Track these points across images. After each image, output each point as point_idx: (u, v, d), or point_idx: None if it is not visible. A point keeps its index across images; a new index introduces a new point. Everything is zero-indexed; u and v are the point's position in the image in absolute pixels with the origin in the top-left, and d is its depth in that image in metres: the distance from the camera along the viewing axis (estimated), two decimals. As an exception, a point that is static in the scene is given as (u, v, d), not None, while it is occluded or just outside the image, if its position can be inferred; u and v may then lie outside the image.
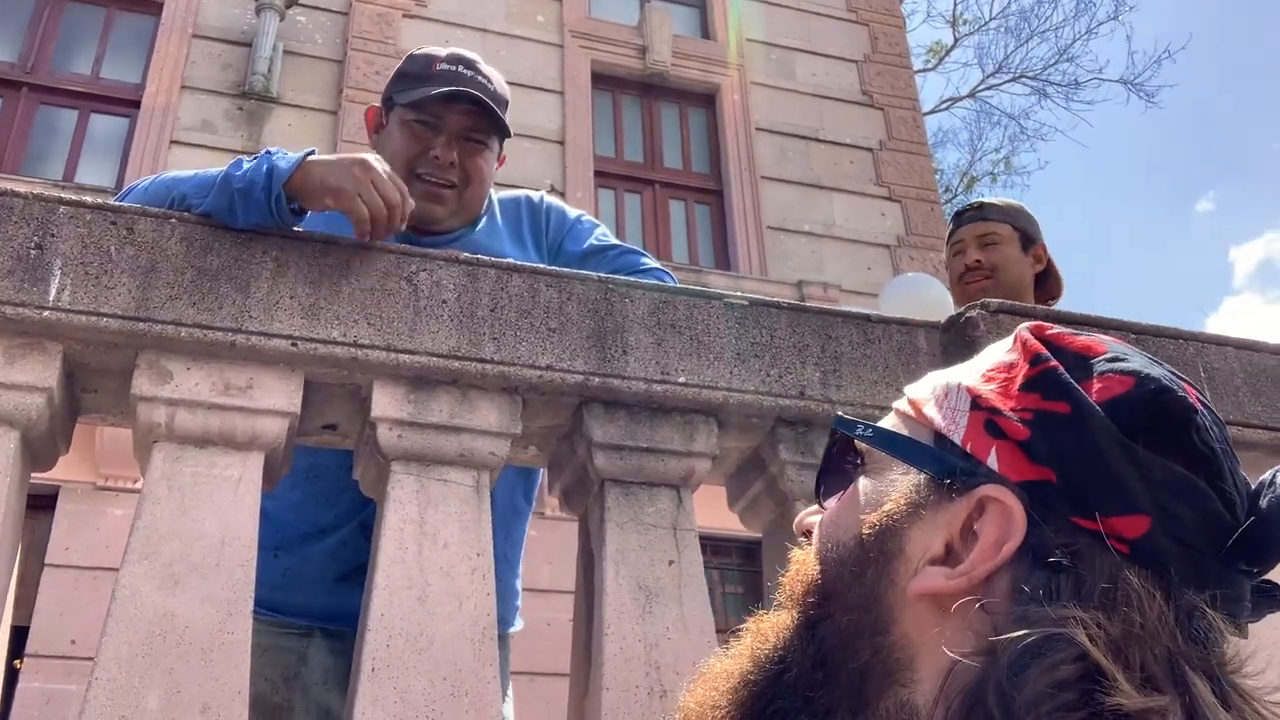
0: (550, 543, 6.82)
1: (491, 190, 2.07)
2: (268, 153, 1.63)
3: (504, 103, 1.99)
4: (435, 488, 1.55)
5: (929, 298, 6.44)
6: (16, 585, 1.57)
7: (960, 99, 19.61)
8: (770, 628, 0.73)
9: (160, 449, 1.47)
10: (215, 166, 1.68)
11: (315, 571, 1.88)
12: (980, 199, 2.80)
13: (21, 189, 1.52)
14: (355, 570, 1.86)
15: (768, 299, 1.79)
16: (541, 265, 1.73)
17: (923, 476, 0.68)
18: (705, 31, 10.32)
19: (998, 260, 2.59)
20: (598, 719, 1.46)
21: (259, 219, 1.57)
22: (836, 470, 0.77)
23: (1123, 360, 0.67)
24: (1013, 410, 0.66)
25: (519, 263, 1.69)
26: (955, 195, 19.13)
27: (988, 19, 19.72)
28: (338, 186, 1.58)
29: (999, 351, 0.72)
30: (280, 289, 1.54)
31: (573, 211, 2.09)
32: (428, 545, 1.50)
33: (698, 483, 1.70)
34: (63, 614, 6.25)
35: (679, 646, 1.53)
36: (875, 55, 10.66)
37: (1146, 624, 0.59)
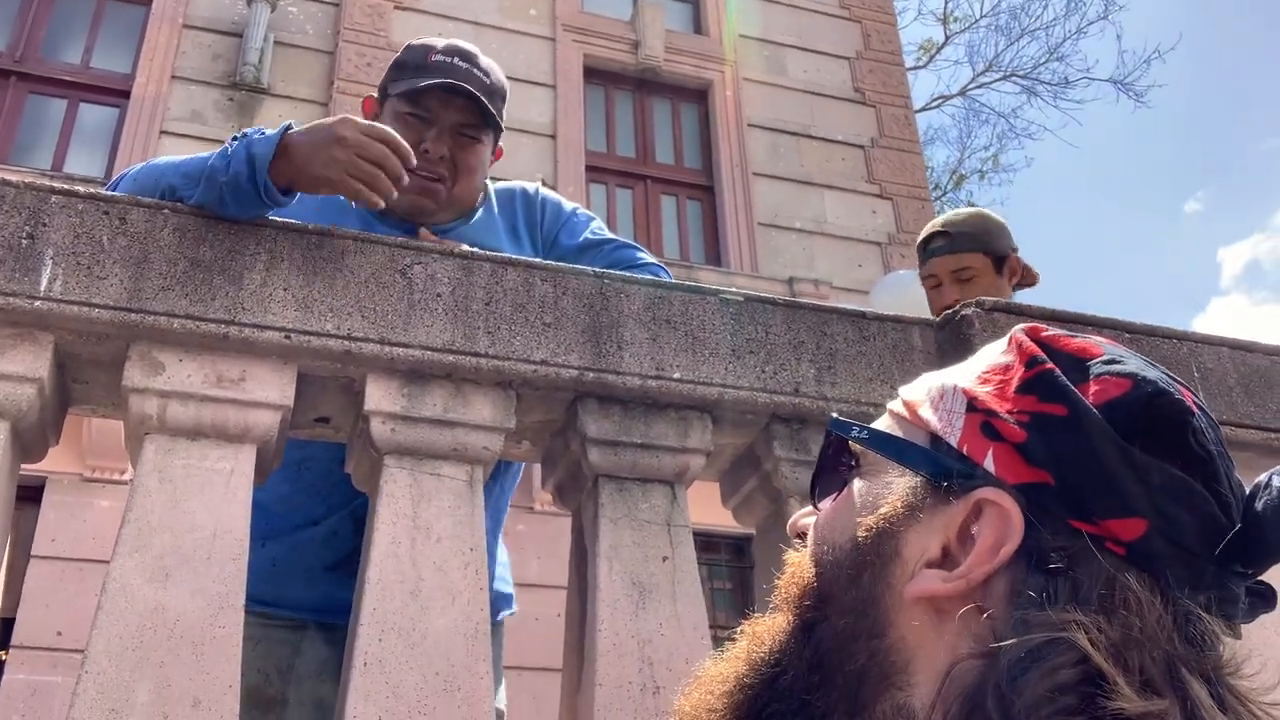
0: (539, 537, 6.81)
1: (487, 181, 2.06)
2: (245, 135, 1.61)
3: (500, 96, 1.96)
4: (428, 482, 1.54)
5: (920, 295, 6.43)
6: (3, 576, 1.56)
7: (951, 97, 19.65)
8: (765, 630, 0.73)
9: (152, 441, 1.46)
10: (202, 153, 1.66)
11: (304, 561, 1.86)
12: (946, 222, 2.74)
13: (11, 178, 1.50)
14: (345, 559, 1.85)
15: (763, 295, 1.79)
16: (537, 259, 1.72)
17: (919, 479, 0.68)
18: (698, 27, 10.30)
19: (977, 294, 2.58)
20: (590, 715, 1.46)
21: (253, 209, 1.56)
22: (831, 471, 0.77)
23: (1119, 363, 0.67)
24: (1009, 412, 0.66)
25: (514, 257, 1.69)
26: (945, 193, 19.17)
27: (978, 17, 19.81)
28: (323, 176, 1.55)
29: (994, 353, 0.72)
30: (274, 281, 1.53)
31: (568, 204, 2.08)
32: (421, 540, 1.50)
33: (692, 479, 1.69)
34: (49, 605, 6.22)
35: (672, 643, 1.53)
36: (867, 52, 10.66)
37: (1145, 627, 0.59)
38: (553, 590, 7.31)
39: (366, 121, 1.60)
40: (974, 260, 2.61)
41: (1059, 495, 0.63)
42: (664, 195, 9.45)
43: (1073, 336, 0.70)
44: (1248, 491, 0.65)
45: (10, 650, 6.12)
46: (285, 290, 1.53)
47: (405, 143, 1.60)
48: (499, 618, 2.05)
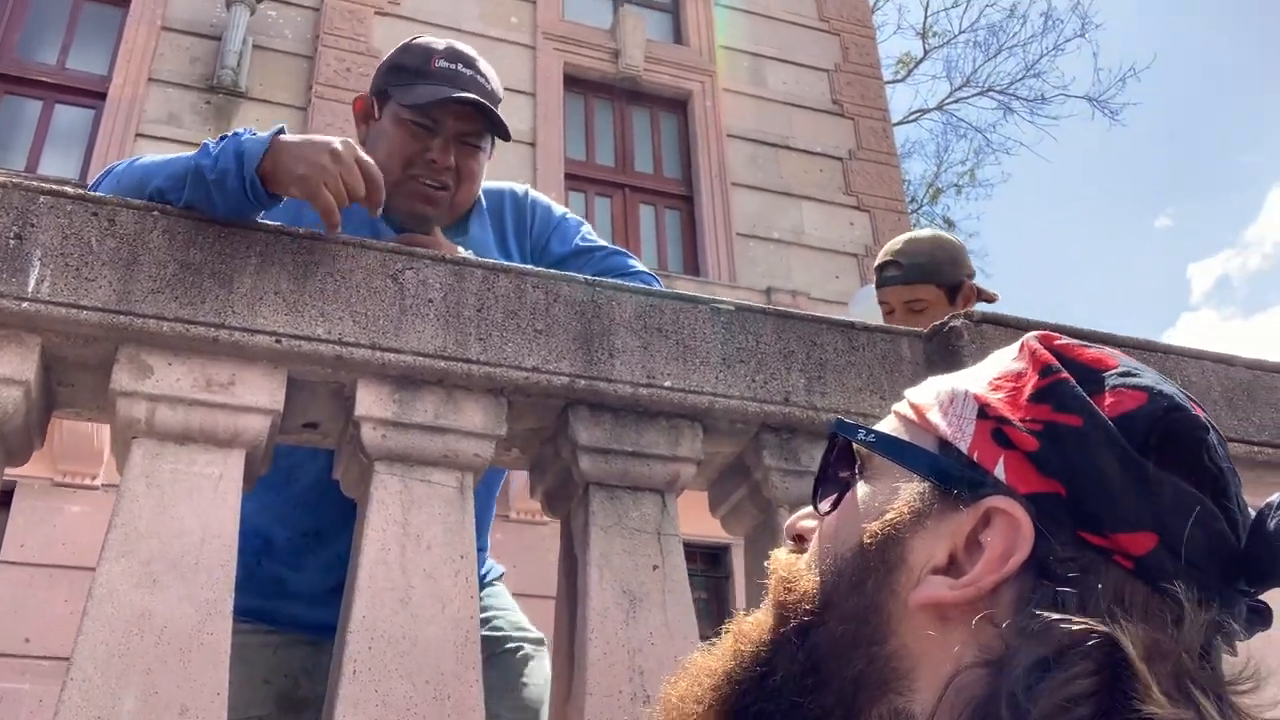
0: (515, 545, 6.79)
1: None
2: (235, 134, 1.60)
3: (500, 99, 1.95)
4: (419, 489, 1.53)
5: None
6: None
7: (928, 111, 19.79)
8: (752, 628, 0.72)
9: (140, 445, 1.44)
10: (184, 153, 1.64)
11: (308, 584, 1.86)
12: (899, 251, 2.74)
13: None
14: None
15: (753, 305, 1.79)
16: (529, 266, 1.72)
17: (926, 485, 0.67)
18: (678, 37, 10.33)
19: (930, 323, 2.59)
20: (580, 724, 1.45)
21: (239, 208, 1.54)
22: (834, 474, 0.76)
23: (1135, 376, 0.67)
24: (1022, 420, 0.65)
25: (506, 263, 1.68)
26: (921, 206, 19.29)
27: (957, 32, 19.94)
28: (303, 175, 1.53)
29: (1005, 359, 0.71)
30: (264, 284, 1.52)
31: (557, 208, 2.07)
32: (411, 547, 1.49)
33: (682, 487, 1.69)
34: (17, 611, 6.14)
35: (663, 652, 1.52)
36: (846, 65, 10.73)
37: (1157, 640, 0.58)
38: (528, 599, 7.29)
39: (364, 154, 1.59)
40: (925, 292, 2.62)
41: (1070, 506, 0.62)
42: (643, 204, 9.46)
43: (1087, 347, 0.70)
44: (1255, 511, 0.65)
45: (-23, 657, 6.04)
46: (276, 294, 1.52)
47: (382, 192, 1.60)
48: (500, 573, 2.07)
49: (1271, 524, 0.63)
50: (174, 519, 1.41)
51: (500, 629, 1.94)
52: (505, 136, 1.93)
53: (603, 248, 2.00)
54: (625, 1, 10.33)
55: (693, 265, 9.22)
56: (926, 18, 19.71)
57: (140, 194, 1.56)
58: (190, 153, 1.59)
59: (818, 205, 9.78)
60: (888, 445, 0.71)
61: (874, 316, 6.24)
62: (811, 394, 1.71)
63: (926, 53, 19.71)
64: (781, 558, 0.76)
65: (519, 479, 5.86)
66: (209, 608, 1.37)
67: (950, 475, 0.66)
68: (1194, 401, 0.67)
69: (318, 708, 1.81)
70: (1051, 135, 35.14)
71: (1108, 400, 0.65)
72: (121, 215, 1.49)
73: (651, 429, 1.65)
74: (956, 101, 19.71)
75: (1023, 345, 0.71)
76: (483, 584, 1.93)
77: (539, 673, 1.93)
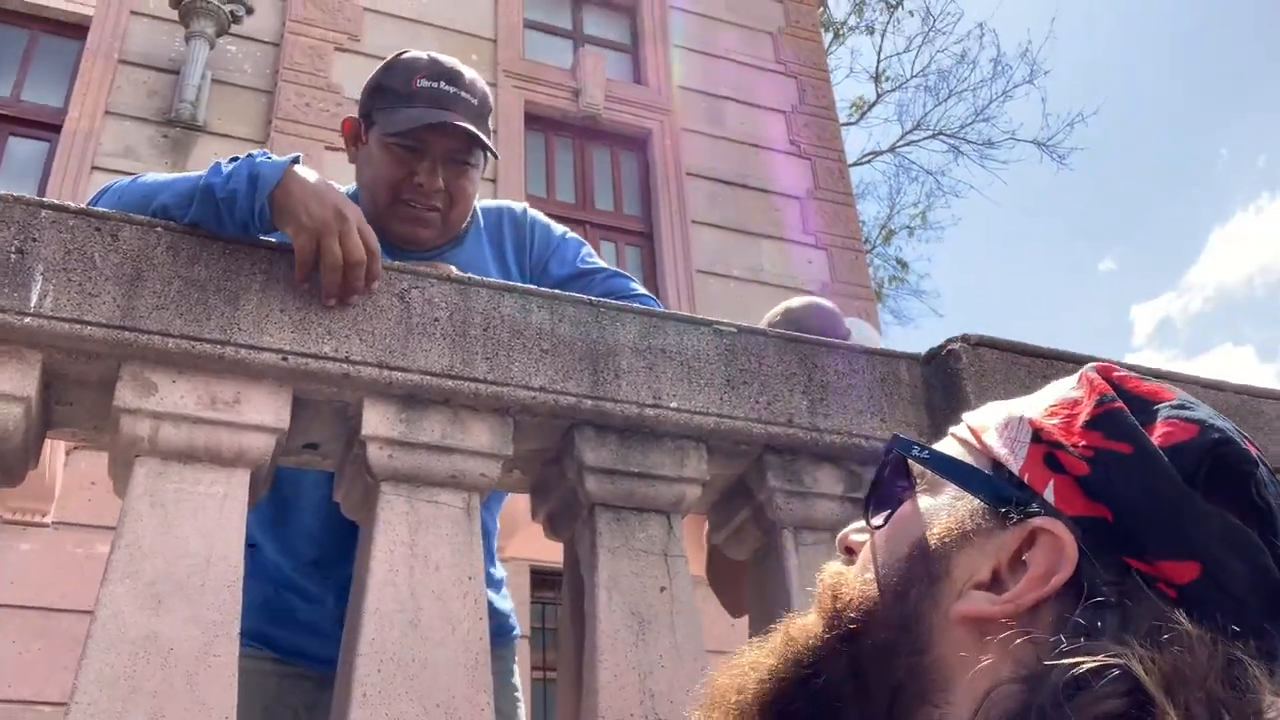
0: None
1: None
2: (250, 156, 1.57)
3: (488, 112, 1.91)
4: (426, 509, 1.51)
5: (862, 339, 6.52)
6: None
7: (881, 153, 20.06)
8: (800, 630, 0.73)
9: (143, 464, 1.41)
10: (194, 171, 1.62)
11: (318, 615, 1.82)
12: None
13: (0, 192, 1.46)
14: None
15: (755, 327, 1.79)
16: (533, 286, 1.71)
17: (976, 502, 0.69)
18: (638, 77, 10.41)
19: None
20: (592, 748, 1.43)
21: (244, 230, 1.52)
22: (887, 489, 0.77)
23: (1188, 409, 0.68)
24: (1074, 446, 0.67)
25: (511, 283, 1.67)
26: (874, 246, 19.50)
27: (909, 77, 20.18)
28: (299, 222, 1.48)
29: (1064, 388, 0.73)
30: (270, 301, 1.50)
31: (557, 228, 2.05)
32: (419, 568, 1.46)
33: (688, 509, 1.68)
34: (-37, 653, 5.95)
35: (673, 675, 1.51)
36: (802, 107, 10.86)
37: (1193, 666, 0.58)
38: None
39: (370, 231, 1.53)
40: None
41: (1116, 532, 0.63)
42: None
43: (1144, 379, 0.71)
44: None
45: (-80, 700, 5.83)
46: (282, 311, 1.50)
47: (372, 274, 1.51)
48: (514, 634, 2.02)
49: None
50: (178, 539, 1.38)
51: None
52: (490, 153, 1.89)
53: (603, 269, 1.99)
54: (585, 42, 10.40)
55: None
56: (879, 62, 19.97)
57: (144, 211, 1.53)
58: (198, 173, 1.56)
59: (776, 244, 9.86)
60: (942, 463, 0.73)
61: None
62: (814, 416, 1.72)
63: (879, 96, 20.01)
64: (831, 567, 0.77)
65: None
66: (215, 629, 1.34)
67: (1000, 494, 0.68)
68: (1247, 439, 0.68)
69: None
70: (1000, 179, 35.84)
71: (1160, 430, 0.66)
72: (125, 231, 1.46)
73: (657, 450, 1.64)
74: (908, 144, 20.01)
75: (1081, 376, 0.73)
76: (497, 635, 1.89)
77: None
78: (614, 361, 1.63)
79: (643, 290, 1.98)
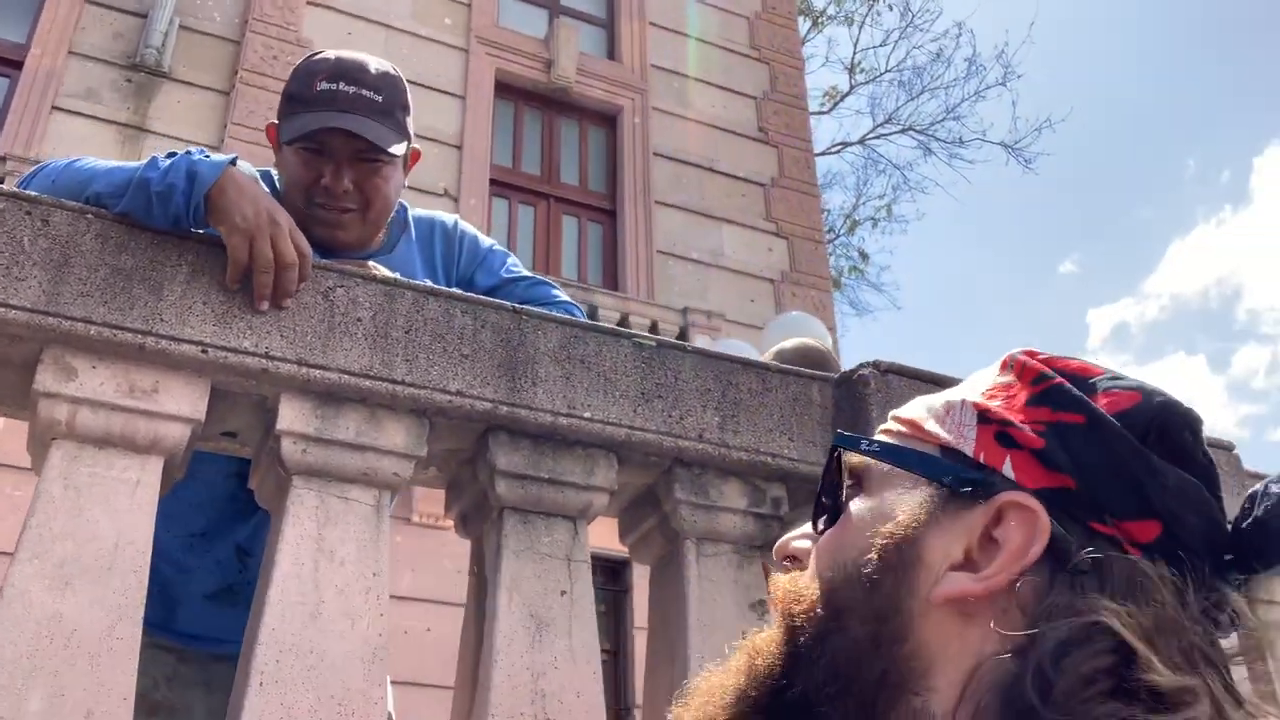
0: (415, 550, 6.76)
1: (407, 205, 2.05)
2: (187, 153, 1.60)
3: (399, 106, 1.88)
4: (336, 505, 1.56)
5: (808, 336, 6.62)
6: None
7: (850, 144, 20.15)
8: (765, 643, 0.73)
9: (59, 447, 1.45)
10: (117, 159, 1.65)
11: (189, 588, 1.87)
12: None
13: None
14: (226, 590, 1.91)
15: (675, 341, 1.85)
16: (458, 291, 1.75)
17: (932, 488, 0.69)
18: (611, 53, 10.40)
19: None
20: (481, 744, 1.49)
21: (174, 225, 1.55)
22: (832, 491, 0.77)
23: (1123, 379, 0.70)
24: (1024, 423, 0.68)
25: (436, 287, 1.71)
26: (838, 236, 19.62)
27: (883, 70, 20.24)
28: (232, 223, 1.51)
29: (989, 375, 0.74)
30: (193, 294, 1.53)
31: (485, 240, 2.08)
32: (324, 562, 1.51)
33: (594, 515, 1.74)
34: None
35: (565, 676, 1.57)
36: (774, 93, 10.90)
37: (1168, 616, 0.61)
38: (425, 604, 7.26)
39: (302, 235, 1.57)
40: None
41: (1079, 498, 0.65)
42: (566, 215, 9.49)
43: (1069, 359, 0.73)
44: (1243, 500, 0.68)
45: None
46: (205, 304, 1.53)
47: (301, 277, 1.56)
48: None
49: (1259, 510, 0.66)
50: (89, 522, 1.42)
51: None
52: (405, 140, 1.86)
53: (527, 278, 2.03)
54: (560, 13, 10.37)
55: (612, 280, 9.28)
56: (855, 54, 20.02)
57: (77, 197, 1.56)
58: (136, 163, 1.59)
59: (738, 229, 9.92)
60: (894, 453, 0.73)
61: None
62: (724, 431, 1.78)
63: (852, 87, 20.08)
64: (782, 578, 0.77)
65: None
66: (120, 612, 1.38)
67: (961, 475, 0.69)
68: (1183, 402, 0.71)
69: (169, 713, 1.83)
70: (966, 178, 36.06)
71: (1103, 400, 0.68)
72: (56, 216, 1.49)
73: (568, 457, 1.69)
74: (878, 137, 20.11)
75: (1005, 360, 0.74)
76: None
77: None
78: (532, 369, 1.68)
79: (565, 298, 2.02)
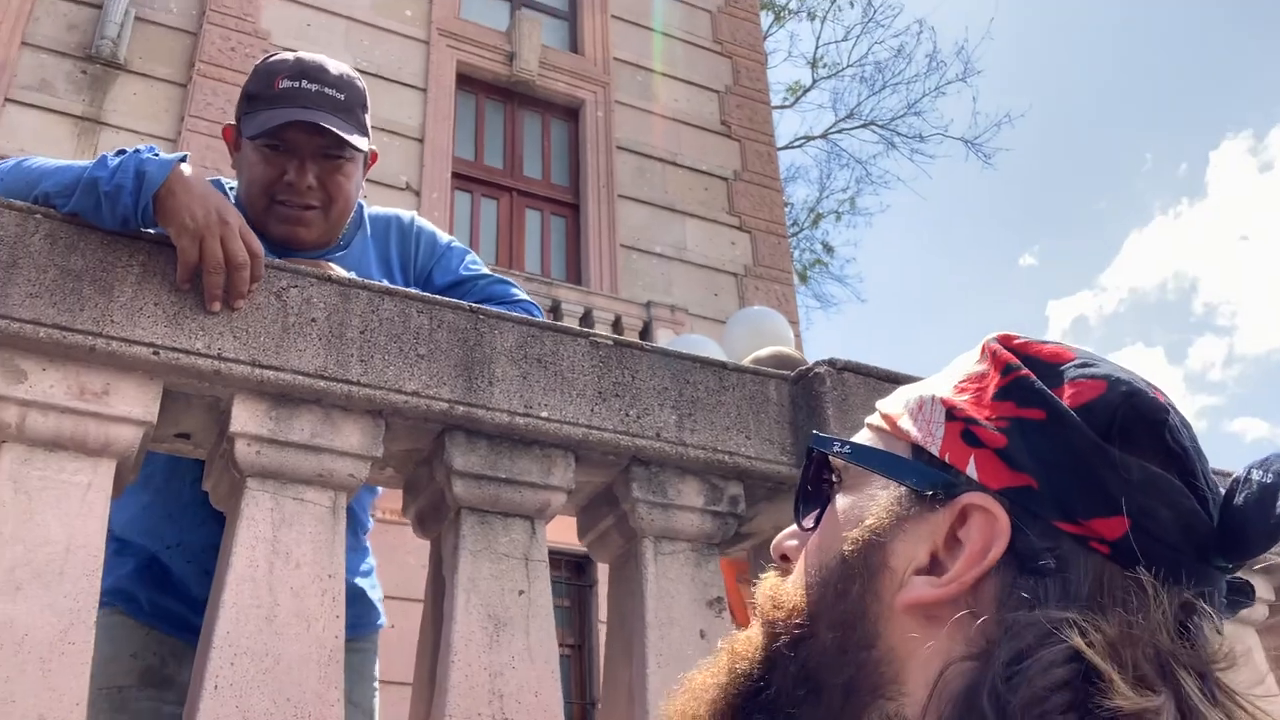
0: (377, 546, 6.71)
1: (364, 201, 2.04)
2: (136, 151, 1.58)
3: (358, 105, 1.89)
4: (291, 506, 1.55)
5: (771, 330, 6.64)
6: None
7: (813, 138, 20.22)
8: (745, 645, 0.74)
9: (9, 450, 1.43)
10: (71, 152, 1.63)
11: (196, 592, 1.85)
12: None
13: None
14: None
15: (632, 341, 1.85)
16: (414, 290, 1.75)
17: (903, 489, 0.69)
18: (574, 46, 10.38)
19: None
20: (438, 744, 1.49)
21: (123, 225, 1.53)
22: (814, 490, 0.77)
23: (1093, 365, 0.68)
24: (988, 419, 0.67)
25: (392, 286, 1.70)
26: (801, 229, 19.69)
27: (845, 65, 20.34)
28: (182, 224, 1.50)
29: (968, 363, 0.73)
30: (144, 295, 1.52)
31: (443, 237, 2.07)
32: (279, 564, 1.50)
33: (552, 515, 1.74)
34: None
35: (523, 676, 1.57)
36: (736, 87, 10.92)
37: (1135, 623, 0.59)
38: (388, 601, 7.22)
39: (253, 234, 1.56)
40: None
41: (1042, 497, 0.64)
42: (529, 209, 9.47)
43: (1045, 343, 0.72)
44: (1224, 487, 0.67)
45: None
46: (156, 305, 1.52)
47: (254, 277, 1.55)
48: (379, 624, 2.07)
49: (1240, 498, 0.63)
50: (40, 526, 1.40)
51: None
52: (358, 146, 1.86)
53: (485, 276, 2.02)
54: (522, 5, 10.33)
55: (575, 274, 9.27)
56: (817, 48, 20.07)
57: (25, 197, 1.54)
58: (84, 162, 1.57)
59: (701, 223, 9.94)
60: (862, 454, 0.73)
61: (751, 338, 6.37)
62: (682, 430, 1.78)
63: (815, 82, 20.14)
64: (769, 579, 0.77)
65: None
66: (72, 617, 1.37)
67: (924, 478, 0.68)
68: (1155, 387, 0.68)
69: (181, 690, 1.83)
70: (926, 172, 36.25)
71: (1068, 391, 0.66)
72: (3, 216, 1.47)
73: (525, 457, 1.69)
74: (840, 132, 20.20)
75: (984, 347, 0.73)
76: (356, 627, 1.94)
77: None
78: (489, 369, 1.68)
79: (524, 297, 2.02)
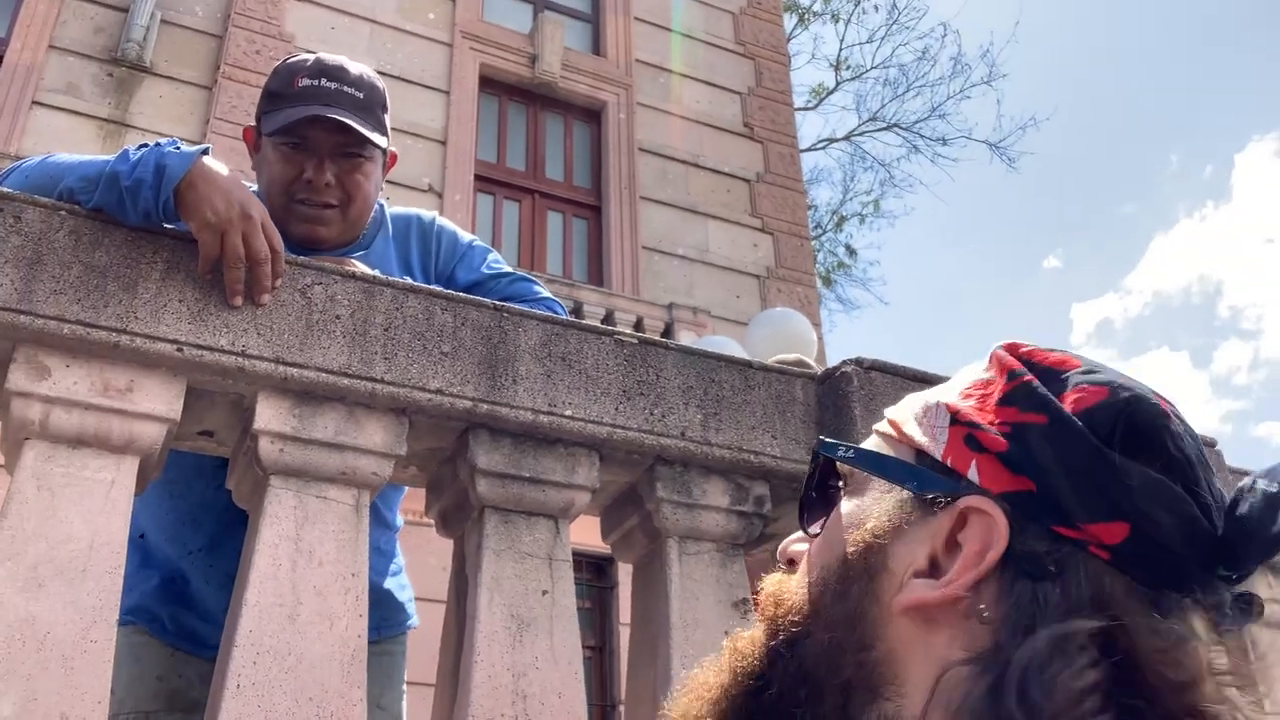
0: (399, 546, 6.73)
1: (385, 201, 2.03)
2: (158, 145, 1.58)
3: (379, 105, 1.89)
4: (314, 504, 1.54)
5: (793, 331, 6.62)
6: None
7: (836, 140, 20.15)
8: (747, 645, 0.74)
9: (32, 447, 1.43)
10: (97, 154, 1.62)
11: (212, 603, 1.85)
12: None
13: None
14: None
15: (656, 339, 1.83)
16: (438, 288, 1.73)
17: (905, 493, 0.69)
18: (596, 48, 10.37)
19: None
20: (462, 745, 1.47)
21: (146, 220, 1.53)
22: (819, 493, 0.78)
23: (1096, 372, 0.69)
24: (991, 424, 0.68)
25: (416, 284, 1.69)
26: (825, 232, 19.63)
27: (869, 67, 20.25)
28: (203, 218, 1.49)
29: (976, 370, 0.73)
30: (169, 291, 1.52)
31: (465, 236, 2.05)
32: (302, 563, 1.49)
33: (576, 514, 1.73)
34: None
35: (546, 677, 1.56)
36: (759, 89, 10.89)
37: (1131, 629, 0.60)
38: (410, 601, 7.23)
39: (275, 229, 1.56)
40: None
41: (1042, 502, 0.64)
42: (551, 211, 9.47)
43: (1051, 351, 0.72)
44: (1229, 496, 0.66)
45: None
46: (180, 301, 1.52)
47: (276, 272, 1.55)
48: (409, 624, 2.06)
49: (1244, 507, 0.63)
50: (63, 523, 1.40)
51: None
52: (383, 137, 1.87)
53: (508, 274, 2.01)
54: (545, 8, 10.34)
55: (597, 276, 9.26)
56: (841, 50, 20.02)
57: (49, 193, 1.53)
58: (107, 156, 1.56)
59: (723, 225, 9.91)
60: (866, 459, 0.74)
61: (773, 339, 6.33)
62: (707, 430, 1.77)
63: (838, 84, 20.07)
64: (770, 580, 0.78)
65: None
66: (94, 614, 1.36)
67: (926, 481, 0.69)
68: (1159, 395, 0.68)
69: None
70: (950, 175, 36.11)
71: (1071, 397, 0.67)
72: (28, 213, 1.47)
73: (549, 456, 1.68)
74: (863, 134, 20.12)
75: (991, 355, 0.73)
76: (383, 628, 1.93)
77: None
78: (513, 367, 1.67)
79: (547, 294, 2.00)
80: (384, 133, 1.89)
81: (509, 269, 2.04)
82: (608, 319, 8.31)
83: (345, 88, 1.84)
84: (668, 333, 8.57)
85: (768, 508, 1.80)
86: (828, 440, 0.77)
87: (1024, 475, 0.65)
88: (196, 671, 1.88)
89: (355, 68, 1.89)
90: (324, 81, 1.83)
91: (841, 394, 1.85)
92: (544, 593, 1.62)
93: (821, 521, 0.76)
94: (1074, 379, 0.68)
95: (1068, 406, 0.66)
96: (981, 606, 0.63)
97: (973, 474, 0.66)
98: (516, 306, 1.74)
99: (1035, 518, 0.64)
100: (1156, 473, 0.63)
